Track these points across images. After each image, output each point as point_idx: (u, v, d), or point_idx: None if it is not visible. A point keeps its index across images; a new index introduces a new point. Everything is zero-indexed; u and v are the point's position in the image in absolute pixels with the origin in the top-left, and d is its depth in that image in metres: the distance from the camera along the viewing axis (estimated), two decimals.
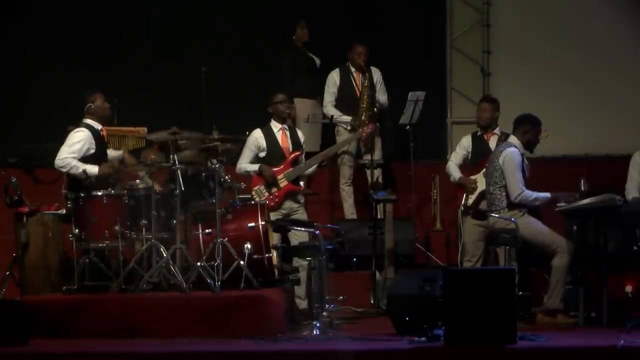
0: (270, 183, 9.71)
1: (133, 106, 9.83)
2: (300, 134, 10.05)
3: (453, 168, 10.18)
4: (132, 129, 9.82)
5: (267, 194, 9.69)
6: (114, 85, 10.39)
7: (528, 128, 9.15)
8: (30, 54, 11.96)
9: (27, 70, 11.94)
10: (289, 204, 9.75)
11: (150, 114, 10.71)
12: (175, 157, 8.69)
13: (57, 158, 8.99)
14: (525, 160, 9.18)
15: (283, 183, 9.74)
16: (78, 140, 9.02)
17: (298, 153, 9.88)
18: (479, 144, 10.11)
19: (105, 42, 12.03)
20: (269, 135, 9.84)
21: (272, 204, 9.65)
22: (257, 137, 9.83)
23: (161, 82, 11.80)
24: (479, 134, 10.20)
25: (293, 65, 11.52)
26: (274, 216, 9.57)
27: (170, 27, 12.06)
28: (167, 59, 11.95)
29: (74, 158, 8.93)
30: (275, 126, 9.88)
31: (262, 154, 9.83)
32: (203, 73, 9.80)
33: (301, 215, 9.77)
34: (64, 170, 8.98)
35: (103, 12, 12.05)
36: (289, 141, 9.87)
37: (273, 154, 9.82)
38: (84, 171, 8.83)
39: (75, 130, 9.13)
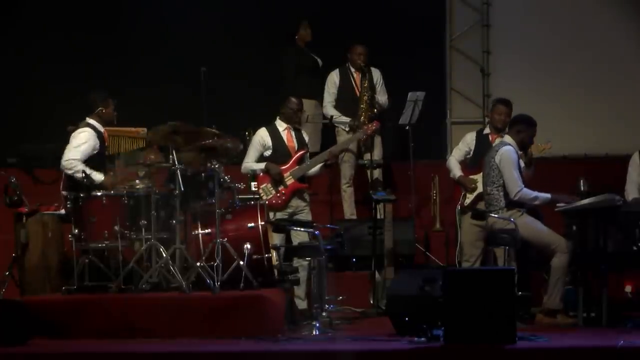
0: (277, 181, 9.71)
1: (133, 106, 9.81)
2: (304, 133, 10.06)
3: (454, 164, 10.11)
4: (132, 129, 9.80)
5: (274, 192, 9.68)
6: (113, 84, 10.37)
7: (522, 128, 9.12)
8: (29, 53, 11.96)
9: (26, 70, 11.94)
10: (295, 202, 9.75)
11: (150, 114, 10.69)
12: (175, 157, 8.69)
13: (63, 159, 8.98)
14: (522, 162, 9.17)
15: (290, 181, 9.74)
16: (84, 142, 9.02)
17: (303, 151, 9.88)
18: (483, 143, 9.95)
19: (106, 41, 12.03)
20: (275, 134, 9.83)
21: (280, 202, 9.66)
22: (262, 135, 9.83)
23: (161, 82, 11.79)
24: (484, 132, 10.12)
25: (295, 66, 11.51)
26: (280, 215, 9.58)
27: (170, 26, 12.05)
28: (167, 59, 11.94)
29: (80, 161, 8.93)
30: (281, 125, 9.88)
31: (268, 153, 9.82)
32: (203, 73, 9.79)
33: (307, 214, 9.78)
34: (69, 172, 8.95)
35: (103, 11, 12.05)
36: (295, 140, 9.87)
37: (278, 153, 9.81)
38: (89, 176, 8.81)
39: (79, 130, 9.11)
